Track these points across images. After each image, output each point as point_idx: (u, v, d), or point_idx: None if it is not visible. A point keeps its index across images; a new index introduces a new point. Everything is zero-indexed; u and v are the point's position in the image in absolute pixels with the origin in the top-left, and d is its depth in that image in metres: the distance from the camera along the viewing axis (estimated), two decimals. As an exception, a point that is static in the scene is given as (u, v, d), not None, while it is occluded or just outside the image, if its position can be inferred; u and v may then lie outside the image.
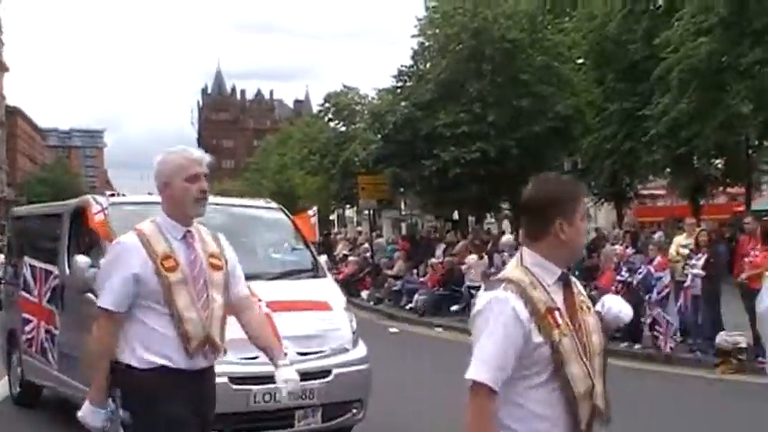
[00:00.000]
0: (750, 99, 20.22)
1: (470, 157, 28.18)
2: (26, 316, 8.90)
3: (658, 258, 13.27)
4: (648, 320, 13.20)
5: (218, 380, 5.63)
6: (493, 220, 43.70)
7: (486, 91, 29.15)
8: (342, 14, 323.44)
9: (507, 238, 20.00)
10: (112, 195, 7.99)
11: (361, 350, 7.51)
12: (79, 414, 3.83)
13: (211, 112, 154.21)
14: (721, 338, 11.72)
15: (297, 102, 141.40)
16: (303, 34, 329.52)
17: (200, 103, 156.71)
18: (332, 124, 48.83)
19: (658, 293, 12.87)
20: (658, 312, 12.86)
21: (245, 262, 7.35)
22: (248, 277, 6.66)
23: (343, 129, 46.44)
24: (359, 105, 45.11)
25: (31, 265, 8.93)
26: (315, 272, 8.17)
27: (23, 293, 9.04)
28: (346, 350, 7.32)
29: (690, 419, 9.28)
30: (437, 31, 31.82)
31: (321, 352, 7.09)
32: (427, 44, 32.97)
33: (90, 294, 6.73)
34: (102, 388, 3.78)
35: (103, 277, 3.82)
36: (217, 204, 8.54)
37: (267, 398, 6.50)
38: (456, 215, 36.22)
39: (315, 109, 65.24)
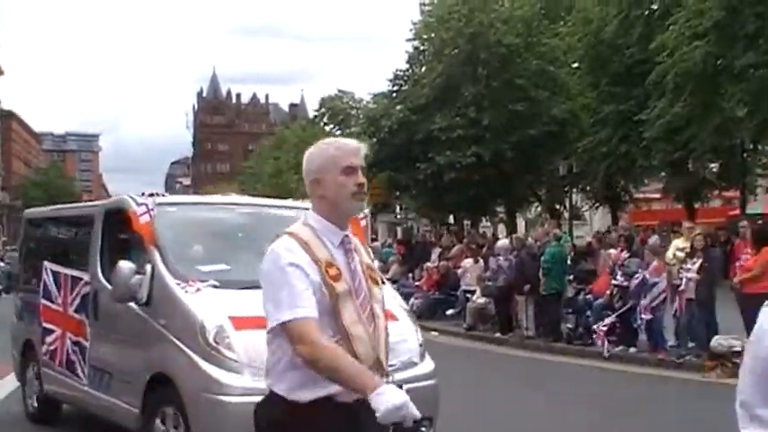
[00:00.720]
0: (744, 102, 20.28)
1: (466, 161, 28.22)
2: (47, 326, 8.28)
3: (654, 263, 13.27)
4: (643, 325, 13.21)
5: None
6: (488, 223, 43.70)
7: (481, 95, 29.22)
8: (337, 18, 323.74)
9: (503, 242, 19.95)
10: (151, 195, 7.31)
11: (428, 364, 6.93)
12: (380, 413, 2.92)
13: (206, 115, 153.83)
14: (716, 342, 11.72)
15: (292, 106, 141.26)
16: (298, 38, 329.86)
17: (196, 106, 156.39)
18: (327, 128, 48.89)
19: (652, 300, 12.87)
20: (651, 318, 12.87)
21: None
22: None
23: (339, 133, 46.48)
24: (354, 109, 45.19)
25: (53, 271, 8.32)
26: None
27: (44, 301, 8.40)
28: (414, 364, 6.72)
29: (684, 423, 9.28)
30: (432, 35, 31.90)
31: (390, 366, 6.34)
32: (423, 48, 33.04)
33: (133, 304, 6.44)
34: (365, 371, 3.03)
35: (274, 290, 3.07)
36: (254, 205, 8.22)
37: None
38: (451, 219, 36.24)
39: (310, 113, 65.44)
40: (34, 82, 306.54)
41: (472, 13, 29.65)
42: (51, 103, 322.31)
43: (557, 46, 30.29)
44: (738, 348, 11.38)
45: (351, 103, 46.02)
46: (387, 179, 32.92)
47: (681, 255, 13.50)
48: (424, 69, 32.62)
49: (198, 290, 6.18)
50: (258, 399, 4.82)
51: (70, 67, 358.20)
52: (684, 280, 12.52)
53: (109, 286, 6.94)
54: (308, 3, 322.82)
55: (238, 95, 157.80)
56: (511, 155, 28.69)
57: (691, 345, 12.82)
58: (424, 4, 33.29)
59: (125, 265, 6.46)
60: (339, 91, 47.58)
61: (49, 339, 8.20)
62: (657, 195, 36.15)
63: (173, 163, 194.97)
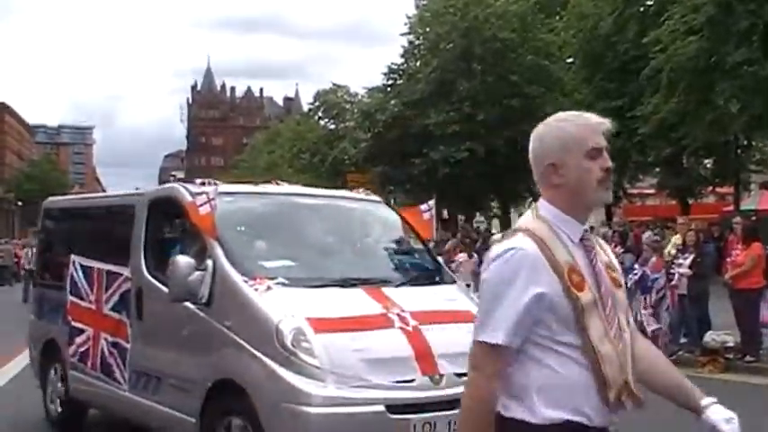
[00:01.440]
0: (737, 98, 20.35)
1: (460, 156, 28.24)
2: (77, 325, 7.65)
3: (653, 259, 13.27)
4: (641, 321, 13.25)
5: (373, 408, 5.10)
6: (482, 218, 43.76)
7: (476, 90, 29.24)
8: (332, 12, 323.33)
9: (498, 236, 19.99)
10: (203, 184, 6.60)
11: None
12: None
13: (201, 109, 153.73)
14: (709, 337, 11.77)
15: (287, 99, 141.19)
16: (293, 32, 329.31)
17: (190, 100, 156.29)
18: (322, 122, 48.86)
19: (657, 293, 12.86)
20: (652, 312, 12.90)
21: (365, 265, 6.74)
22: (374, 282, 6.04)
23: (333, 127, 46.47)
24: (349, 104, 45.16)
25: (82, 266, 7.67)
26: (440, 276, 6.88)
27: (72, 298, 7.75)
28: None
29: (677, 418, 9.32)
30: (428, 29, 31.90)
31: None
32: (418, 42, 33.03)
33: (189, 304, 5.90)
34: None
35: (488, 299, 2.60)
36: (316, 196, 7.50)
37: (427, 428, 5.38)
38: (445, 214, 36.28)
39: (305, 107, 65.31)
40: (28, 74, 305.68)
41: (467, 7, 29.67)
42: (45, 95, 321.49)
43: (551, 41, 30.32)
44: (731, 344, 11.44)
45: (345, 97, 45.98)
46: (381, 174, 32.96)
47: (673, 250, 13.55)
48: (418, 64, 32.63)
49: (268, 288, 5.64)
50: (343, 409, 5.10)
51: (64, 59, 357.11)
52: (677, 276, 12.57)
53: (155, 283, 6.50)
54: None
55: (233, 89, 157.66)
56: (505, 150, 28.72)
57: (683, 340, 12.88)
58: (420, -1, 33.32)
59: (183, 261, 5.87)
60: (334, 85, 47.50)
61: (78, 340, 7.60)
62: (651, 191, 36.24)
63: (166, 156, 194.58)
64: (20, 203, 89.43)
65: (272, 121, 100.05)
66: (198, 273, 5.80)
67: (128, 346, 6.86)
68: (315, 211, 7.09)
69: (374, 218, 7.60)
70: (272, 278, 5.75)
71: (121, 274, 7.03)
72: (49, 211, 9.54)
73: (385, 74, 34.12)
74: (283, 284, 5.72)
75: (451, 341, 5.41)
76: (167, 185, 7.61)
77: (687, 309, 12.68)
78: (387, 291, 5.91)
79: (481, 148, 28.48)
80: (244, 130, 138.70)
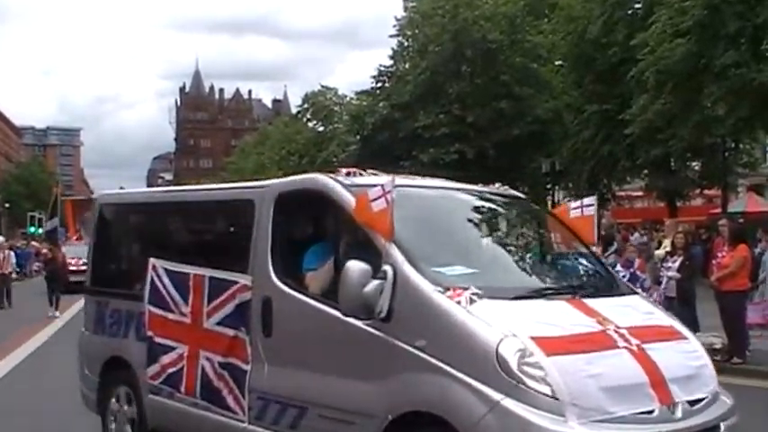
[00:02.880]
0: (725, 100, 20.41)
1: (449, 158, 28.26)
2: (161, 341, 6.55)
3: (638, 261, 13.31)
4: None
5: None
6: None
7: (465, 92, 29.26)
8: (321, 14, 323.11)
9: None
10: (349, 174, 5.88)
11: (726, 394, 5.38)
12: None
13: (189, 111, 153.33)
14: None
15: (275, 102, 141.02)
16: (282, 34, 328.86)
17: (179, 102, 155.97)
18: (310, 125, 48.80)
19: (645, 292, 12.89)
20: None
21: (545, 272, 5.88)
22: (566, 292, 5.23)
23: (322, 129, 46.41)
24: (338, 105, 45.13)
25: (170, 272, 6.55)
26: (616, 285, 6.03)
27: (154, 310, 6.60)
28: (718, 395, 5.24)
29: None
30: (417, 31, 31.91)
31: (703, 400, 5.04)
32: (407, 44, 33.03)
33: (352, 319, 4.94)
34: None
35: None
36: (468, 191, 6.36)
37: None
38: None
39: (293, 109, 65.24)
40: (15, 75, 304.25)
41: (456, 9, 29.69)
42: (32, 96, 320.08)
43: (540, 43, 30.38)
44: (718, 346, 11.47)
45: (334, 99, 45.95)
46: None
47: (661, 253, 13.57)
48: (407, 66, 32.64)
49: (471, 300, 4.68)
50: None
51: (52, 60, 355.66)
52: (665, 278, 12.59)
53: (292, 292, 5.53)
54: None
55: (221, 91, 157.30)
56: (494, 153, 28.75)
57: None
58: (409, 1, 33.30)
59: (357, 268, 4.84)
60: (323, 87, 47.45)
61: (165, 359, 6.50)
62: (640, 193, 36.32)
63: (155, 158, 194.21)
64: (7, 205, 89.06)
65: (261, 124, 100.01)
66: (375, 282, 4.82)
67: (247, 367, 5.80)
68: (474, 207, 6.19)
69: (530, 217, 6.78)
70: (463, 288, 4.78)
71: (235, 282, 5.92)
72: (110, 207, 8.22)
73: (374, 76, 34.15)
74: (481, 296, 4.74)
75: (676, 363, 4.87)
76: (307, 176, 6.12)
77: (676, 311, 12.70)
78: (589, 303, 5.08)
79: (471, 150, 28.49)
80: (232, 133, 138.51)
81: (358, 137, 33.49)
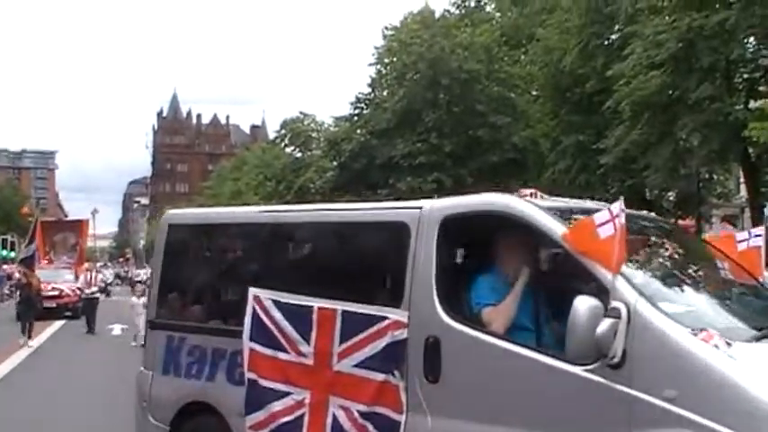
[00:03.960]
0: (698, 132, 20.63)
1: (427, 187, 28.35)
2: (271, 385, 5.66)
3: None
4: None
5: None
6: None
7: (442, 120, 29.41)
8: (300, 41, 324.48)
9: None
10: (533, 195, 5.49)
11: None
12: None
13: (166, 135, 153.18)
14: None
15: (253, 127, 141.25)
16: (261, 60, 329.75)
17: (156, 126, 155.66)
18: (288, 150, 48.79)
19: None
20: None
21: (740, 307, 5.14)
22: None
23: (300, 155, 46.42)
24: (315, 132, 45.18)
25: (283, 305, 5.65)
26: None
27: (258, 348, 5.70)
28: None
29: None
30: (395, 59, 32.07)
31: None
32: (384, 72, 33.19)
33: (570, 367, 4.33)
34: None
35: None
36: (635, 217, 5.51)
37: None
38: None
39: (271, 135, 65.28)
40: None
41: (434, 38, 29.90)
42: (7, 119, 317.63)
43: (517, 73, 30.63)
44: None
45: (312, 125, 46.01)
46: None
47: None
48: (385, 93, 32.77)
49: (728, 345, 4.09)
50: None
51: (27, 82, 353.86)
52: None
53: (468, 331, 4.83)
54: (271, 25, 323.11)
55: (199, 116, 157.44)
56: (471, 181, 28.85)
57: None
58: (387, 29, 33.50)
59: (588, 305, 4.21)
60: (301, 113, 47.51)
61: (276, 406, 5.63)
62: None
63: (131, 183, 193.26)
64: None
65: (238, 149, 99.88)
66: (608, 321, 4.16)
67: (399, 417, 5.05)
68: (657, 235, 5.57)
69: (696, 246, 6.15)
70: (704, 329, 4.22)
71: (383, 318, 5.12)
72: (183, 228, 7.21)
73: (352, 103, 34.26)
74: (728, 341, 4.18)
75: None
76: (483, 198, 5.44)
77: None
78: None
79: (448, 179, 28.58)
80: (209, 158, 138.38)
81: (335, 163, 33.51)
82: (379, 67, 33.33)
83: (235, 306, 6.06)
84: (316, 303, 5.49)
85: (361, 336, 5.23)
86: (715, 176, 27.94)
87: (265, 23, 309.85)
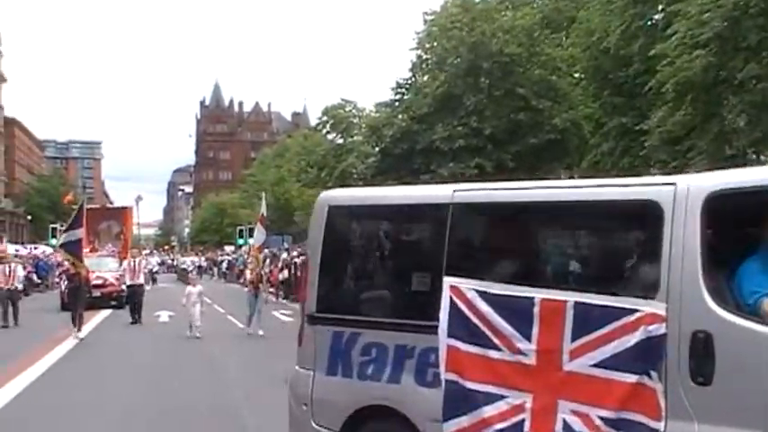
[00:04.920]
0: (746, 113, 20.30)
1: (469, 172, 28.29)
2: (478, 387, 5.05)
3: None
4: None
5: None
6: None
7: (483, 104, 29.29)
8: (342, 28, 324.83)
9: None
10: None
11: None
12: None
13: (209, 124, 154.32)
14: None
15: (295, 114, 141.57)
16: (302, 47, 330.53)
17: (199, 115, 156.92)
18: (329, 137, 48.91)
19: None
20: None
21: None
22: None
23: (341, 141, 46.52)
24: (356, 118, 45.21)
25: (489, 295, 5.04)
26: None
27: (460, 345, 5.10)
28: None
29: None
30: (435, 44, 31.97)
31: None
32: (425, 57, 33.11)
33: None
34: None
35: None
36: None
37: None
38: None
39: (312, 122, 65.48)
40: (37, 89, 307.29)
41: (474, 22, 29.75)
42: (54, 110, 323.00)
43: (559, 56, 30.38)
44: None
45: (353, 111, 46.04)
46: (389, 189, 33.04)
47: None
48: (426, 78, 32.70)
49: None
50: None
51: (74, 74, 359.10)
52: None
53: (751, 326, 4.23)
54: (312, 12, 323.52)
55: (241, 104, 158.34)
56: (513, 165, 28.73)
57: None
58: (428, 14, 33.40)
59: None
60: (342, 100, 47.54)
61: (488, 411, 5.03)
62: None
63: (175, 171, 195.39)
64: (29, 218, 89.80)
65: (280, 136, 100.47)
66: None
67: (658, 425, 4.45)
68: None
69: None
70: None
71: (633, 311, 4.48)
72: (349, 210, 6.48)
73: (393, 88, 34.23)
74: None
75: None
76: (754, 172, 4.94)
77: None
78: None
79: (489, 163, 28.48)
80: (252, 145, 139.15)
81: (377, 149, 33.55)
82: (419, 51, 33.24)
83: (422, 298, 5.48)
84: (537, 294, 4.83)
85: (602, 331, 4.57)
86: (762, 158, 27.51)
87: (307, 11, 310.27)
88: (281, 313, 25.72)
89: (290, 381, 6.45)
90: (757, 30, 19.09)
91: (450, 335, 5.14)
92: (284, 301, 32.51)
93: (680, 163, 24.20)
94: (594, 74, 28.63)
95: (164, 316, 26.83)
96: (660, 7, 24.67)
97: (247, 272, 24.40)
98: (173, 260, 79.33)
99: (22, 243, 61.88)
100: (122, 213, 45.53)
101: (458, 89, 29.64)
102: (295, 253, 44.12)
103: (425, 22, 33.64)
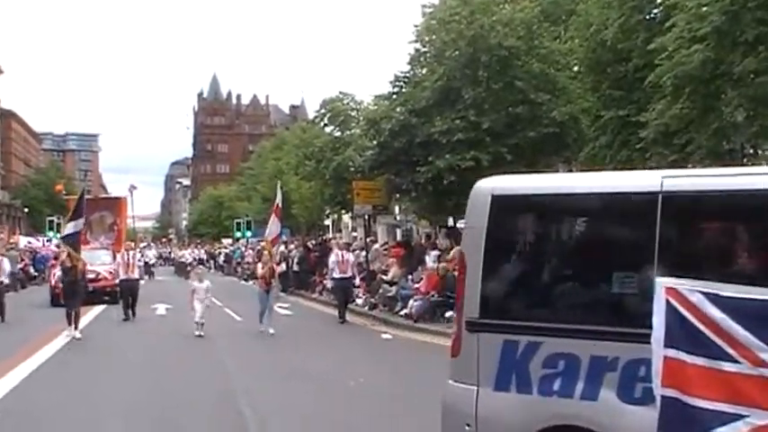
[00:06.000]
0: (744, 107, 20.27)
1: (465, 164, 28.27)
2: (710, 405, 4.40)
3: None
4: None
5: None
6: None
7: (481, 98, 29.24)
8: (339, 20, 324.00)
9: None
10: None
11: None
12: None
13: (207, 116, 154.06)
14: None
15: (292, 107, 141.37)
16: (299, 40, 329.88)
17: (196, 107, 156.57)
18: (327, 129, 48.84)
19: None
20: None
21: None
22: None
23: (339, 134, 46.44)
24: (354, 111, 45.12)
25: (721, 299, 4.39)
26: None
27: (683, 357, 4.45)
28: None
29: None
30: (434, 37, 31.90)
31: None
32: (424, 50, 33.04)
33: None
34: None
35: None
36: None
37: None
38: (451, 221, 36.28)
39: (310, 114, 65.40)
40: (34, 81, 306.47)
41: (473, 15, 29.65)
42: (51, 102, 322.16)
43: (557, 49, 30.33)
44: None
45: (351, 104, 45.96)
46: (387, 182, 32.96)
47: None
48: (424, 71, 32.62)
49: None
50: None
51: (71, 66, 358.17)
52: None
53: None
54: (309, 4, 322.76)
55: (238, 97, 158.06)
56: (510, 158, 28.68)
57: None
58: (426, 7, 33.30)
59: None
60: (340, 92, 47.47)
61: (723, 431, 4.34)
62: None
63: (173, 163, 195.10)
64: (26, 210, 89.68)
65: (278, 129, 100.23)
66: None
67: None
68: None
69: None
70: None
71: None
72: (521, 200, 5.75)
73: (391, 81, 34.15)
74: None
75: None
76: None
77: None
78: None
79: (486, 156, 28.44)
80: (249, 138, 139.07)
81: (375, 142, 33.50)
82: (418, 45, 33.16)
83: (626, 301, 4.94)
84: None
85: None
86: (760, 152, 27.50)
87: (305, 3, 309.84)
88: (279, 307, 25.81)
89: (445, 397, 5.75)
90: (755, 23, 19.05)
91: (667, 344, 4.45)
92: (282, 294, 32.52)
93: (678, 157, 24.19)
94: (593, 67, 28.58)
95: (161, 309, 26.79)
96: (659, 1, 24.61)
97: (258, 266, 23.02)
98: (170, 253, 79.27)
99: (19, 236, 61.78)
100: (116, 204, 43.61)
101: (456, 82, 29.58)
102: (293, 246, 44.12)
103: (424, 14, 33.54)
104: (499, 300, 5.53)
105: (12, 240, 57.25)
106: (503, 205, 5.62)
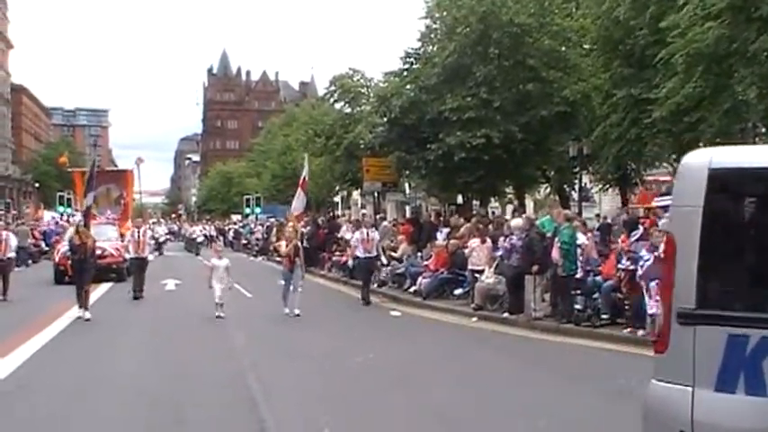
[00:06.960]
0: (757, 85, 20.11)
1: (475, 142, 28.18)
2: None
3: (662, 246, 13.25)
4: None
5: None
6: (497, 204, 43.69)
7: (492, 75, 29.09)
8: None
9: (517, 221, 19.75)
10: None
11: None
12: None
13: (216, 92, 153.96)
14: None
15: (302, 84, 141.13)
16: (309, 15, 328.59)
17: (206, 83, 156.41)
18: (337, 106, 48.74)
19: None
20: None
21: None
22: None
23: (349, 111, 46.35)
24: (364, 88, 45.01)
25: None
26: None
27: None
28: None
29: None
30: (444, 13, 31.72)
31: None
32: (435, 27, 32.87)
33: None
34: None
35: None
36: None
37: None
38: (460, 199, 36.24)
39: (320, 91, 65.26)
40: (45, 56, 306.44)
41: (484, -9, 29.46)
42: (62, 77, 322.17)
43: (569, 26, 30.12)
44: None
45: (361, 81, 45.83)
46: (396, 159, 32.92)
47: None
48: (435, 48, 32.48)
49: None
50: None
51: (81, 41, 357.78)
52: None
53: None
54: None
55: (248, 73, 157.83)
56: (521, 136, 28.59)
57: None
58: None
59: None
60: (350, 69, 47.34)
61: None
62: (668, 177, 36.01)
63: (182, 139, 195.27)
64: (36, 185, 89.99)
65: (288, 105, 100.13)
66: None
67: None
68: None
69: None
70: None
71: None
72: (748, 175, 4.93)
73: (401, 58, 34.02)
74: None
75: None
76: None
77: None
78: None
79: (497, 134, 28.35)
80: (259, 114, 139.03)
81: (385, 119, 33.42)
82: (428, 21, 32.99)
83: None
84: None
85: None
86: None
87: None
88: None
89: (650, 399, 5.13)
90: (770, 0, 18.85)
91: None
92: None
93: (690, 137, 24.05)
94: (604, 44, 28.36)
95: (170, 284, 26.87)
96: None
97: (282, 243, 21.60)
98: (179, 228, 79.40)
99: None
100: (122, 176, 41.97)
101: (467, 59, 29.43)
102: (302, 223, 44.10)
103: (435, -9, 33.34)
104: (723, 288, 4.86)
105: (36, 216, 57.43)
106: (723, 181, 4.87)
